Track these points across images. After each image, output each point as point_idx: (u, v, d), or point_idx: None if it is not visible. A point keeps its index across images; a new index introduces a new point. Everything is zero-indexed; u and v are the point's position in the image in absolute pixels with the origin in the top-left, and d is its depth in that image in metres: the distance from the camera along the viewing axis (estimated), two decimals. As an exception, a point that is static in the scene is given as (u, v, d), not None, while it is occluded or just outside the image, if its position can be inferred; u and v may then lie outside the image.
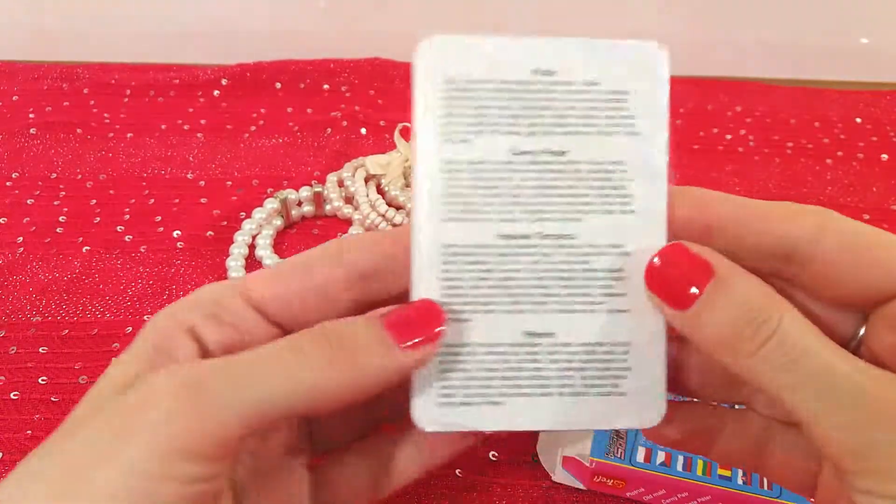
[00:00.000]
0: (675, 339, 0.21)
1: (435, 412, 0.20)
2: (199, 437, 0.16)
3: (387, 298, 0.20)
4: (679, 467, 0.30)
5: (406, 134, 0.51)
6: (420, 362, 0.18)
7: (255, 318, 0.20)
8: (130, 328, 0.40)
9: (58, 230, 0.48)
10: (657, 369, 0.20)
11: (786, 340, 0.17)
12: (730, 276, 0.18)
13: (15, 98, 0.61)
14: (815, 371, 0.17)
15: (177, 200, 0.50)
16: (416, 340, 0.18)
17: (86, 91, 0.62)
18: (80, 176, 0.53)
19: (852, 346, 0.20)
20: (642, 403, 0.20)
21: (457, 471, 0.33)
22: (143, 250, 0.46)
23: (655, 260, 0.19)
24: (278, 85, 0.63)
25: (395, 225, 0.45)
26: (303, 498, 0.22)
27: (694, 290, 0.18)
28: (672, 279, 0.18)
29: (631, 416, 0.20)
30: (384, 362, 0.18)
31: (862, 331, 0.20)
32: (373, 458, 0.22)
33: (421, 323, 0.18)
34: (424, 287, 0.20)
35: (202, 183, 0.52)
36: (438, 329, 0.18)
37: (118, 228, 0.48)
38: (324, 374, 0.17)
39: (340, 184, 0.48)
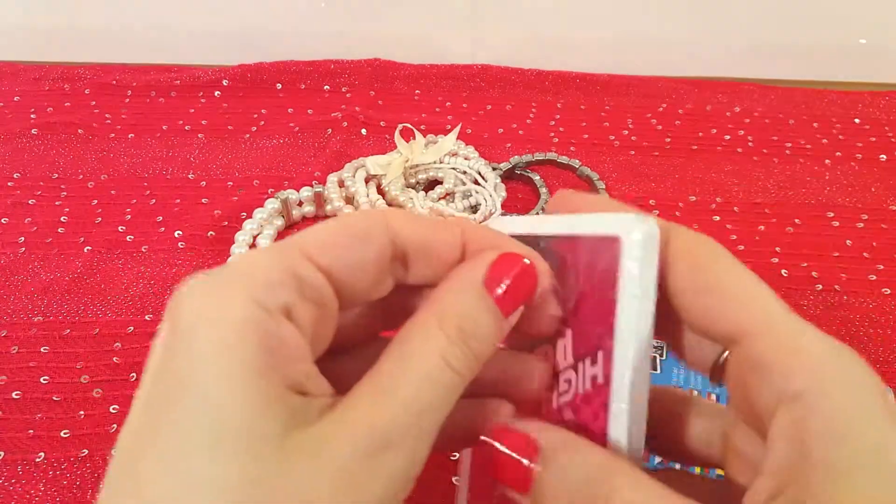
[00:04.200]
0: None
1: None
2: (407, 482, 0.17)
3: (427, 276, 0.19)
4: (677, 467, 0.31)
5: (406, 134, 0.52)
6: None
7: (329, 288, 0.18)
8: (132, 328, 0.40)
9: (59, 230, 0.48)
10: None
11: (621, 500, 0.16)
12: (554, 453, 0.17)
13: (16, 98, 0.61)
14: None
15: (178, 200, 0.50)
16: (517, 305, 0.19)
17: (87, 92, 0.62)
18: (81, 176, 0.53)
19: (717, 365, 0.19)
20: None
21: (454, 478, 0.33)
22: (144, 250, 0.46)
23: (486, 441, 0.18)
24: (279, 86, 0.63)
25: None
26: None
27: (529, 466, 0.17)
28: (506, 462, 0.17)
29: None
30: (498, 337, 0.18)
31: (724, 356, 0.19)
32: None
33: (527, 292, 0.19)
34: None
35: (203, 183, 0.52)
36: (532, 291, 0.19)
37: (119, 228, 0.48)
38: (469, 375, 0.17)
39: (341, 184, 0.49)
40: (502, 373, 0.21)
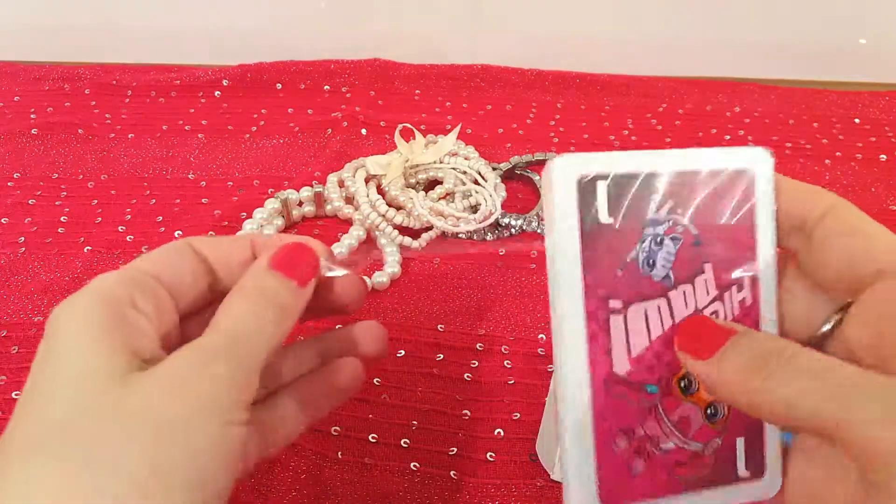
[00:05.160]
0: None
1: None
2: (239, 389, 0.21)
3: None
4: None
5: (406, 134, 0.52)
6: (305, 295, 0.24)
7: (161, 288, 0.24)
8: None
9: (59, 230, 0.48)
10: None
11: (801, 363, 0.18)
12: (746, 332, 0.20)
13: (16, 98, 0.61)
14: (838, 379, 0.18)
15: (178, 201, 0.50)
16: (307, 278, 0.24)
17: (87, 92, 0.62)
18: (81, 176, 0.53)
19: (821, 334, 0.21)
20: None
21: (451, 472, 0.34)
22: (144, 250, 0.46)
23: (683, 326, 0.21)
24: (279, 86, 0.63)
25: (395, 225, 0.46)
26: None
27: (727, 329, 0.20)
28: (698, 337, 0.21)
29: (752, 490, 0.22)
30: (299, 303, 0.24)
31: (830, 324, 0.21)
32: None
33: (308, 268, 0.24)
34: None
35: (203, 183, 0.52)
36: (315, 269, 0.24)
37: (119, 228, 0.48)
38: (281, 328, 0.23)
39: (341, 184, 0.49)
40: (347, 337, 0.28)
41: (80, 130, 0.57)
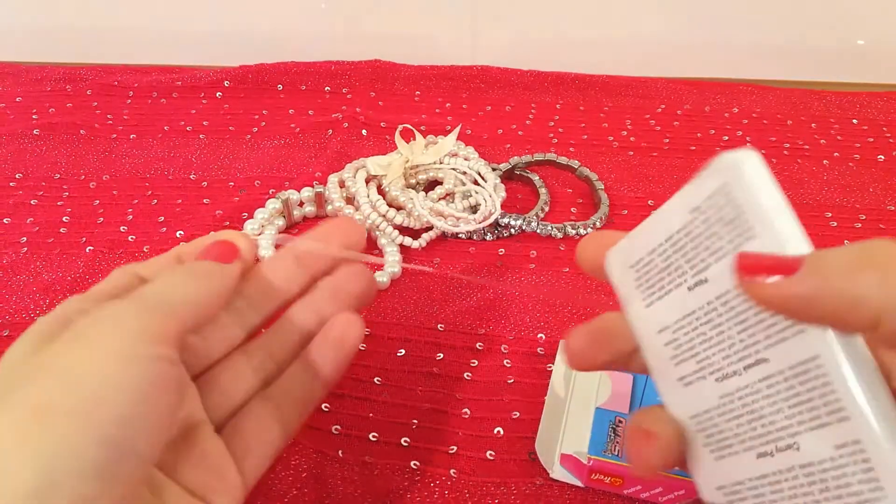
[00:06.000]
0: None
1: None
2: (154, 329, 0.21)
3: None
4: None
5: (406, 135, 0.52)
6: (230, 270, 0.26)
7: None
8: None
9: (61, 230, 0.48)
10: None
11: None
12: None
13: (18, 99, 0.62)
14: None
15: (179, 201, 0.51)
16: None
17: (89, 92, 0.62)
18: (83, 176, 0.53)
19: None
20: None
21: (451, 470, 0.34)
22: (146, 250, 0.46)
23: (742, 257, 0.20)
24: (280, 86, 0.63)
25: (395, 225, 0.46)
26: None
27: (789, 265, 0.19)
28: (769, 263, 0.19)
29: None
30: (224, 273, 0.25)
31: None
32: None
33: (229, 251, 0.26)
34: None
35: (204, 184, 0.52)
36: (236, 250, 0.26)
37: (121, 229, 0.48)
38: (203, 289, 0.24)
39: (342, 184, 0.49)
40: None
41: (81, 131, 0.58)
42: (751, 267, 0.19)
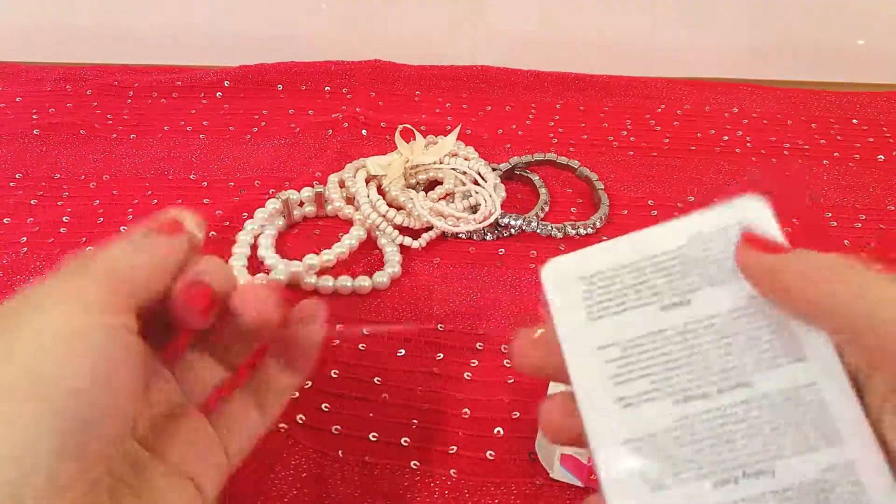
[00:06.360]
0: None
1: None
2: (102, 299, 0.21)
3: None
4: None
5: (406, 135, 0.52)
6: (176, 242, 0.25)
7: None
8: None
9: (61, 230, 0.48)
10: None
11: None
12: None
13: (18, 99, 0.61)
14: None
15: (179, 201, 0.51)
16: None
17: (89, 92, 0.62)
18: (83, 177, 0.53)
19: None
20: None
21: (451, 470, 0.34)
22: (146, 250, 0.46)
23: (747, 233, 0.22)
24: (280, 86, 0.63)
25: (395, 225, 0.46)
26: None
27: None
28: (768, 240, 0.22)
29: None
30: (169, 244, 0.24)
31: None
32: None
33: (173, 225, 0.25)
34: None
35: (205, 184, 0.52)
36: (179, 225, 0.25)
37: (122, 229, 0.48)
38: (148, 257, 0.23)
39: (342, 184, 0.49)
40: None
41: (81, 131, 0.58)
42: (753, 240, 0.22)
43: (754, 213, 0.22)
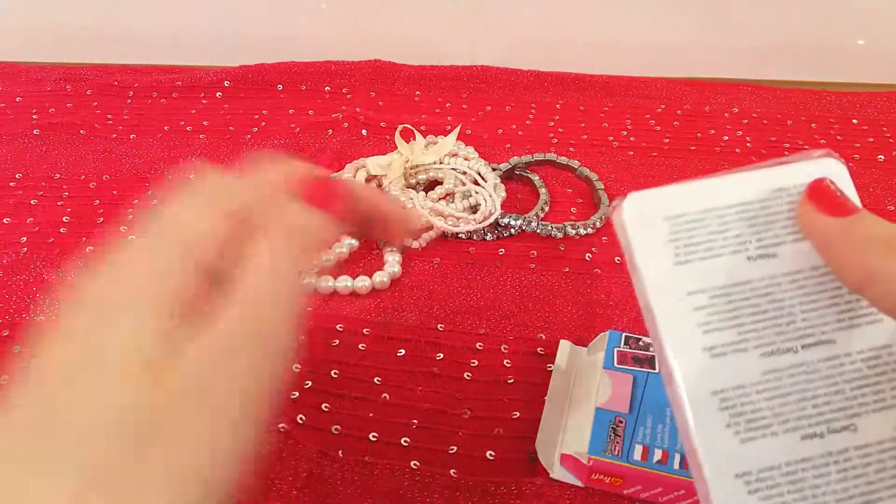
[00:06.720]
0: None
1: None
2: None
3: None
4: (675, 465, 0.31)
5: (406, 135, 0.52)
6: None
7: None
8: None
9: (61, 230, 0.48)
10: None
11: None
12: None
13: (18, 99, 0.62)
14: None
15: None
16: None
17: (89, 92, 0.62)
18: (83, 176, 0.53)
19: None
20: None
21: (451, 471, 0.34)
22: (146, 250, 0.46)
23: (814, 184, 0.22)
24: (280, 86, 0.63)
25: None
26: None
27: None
28: (833, 197, 0.22)
29: None
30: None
31: None
32: None
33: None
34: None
35: (204, 184, 0.52)
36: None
37: (122, 228, 0.48)
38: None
39: (341, 184, 0.49)
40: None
41: (81, 131, 0.58)
42: (817, 192, 0.22)
43: (833, 172, 0.22)
